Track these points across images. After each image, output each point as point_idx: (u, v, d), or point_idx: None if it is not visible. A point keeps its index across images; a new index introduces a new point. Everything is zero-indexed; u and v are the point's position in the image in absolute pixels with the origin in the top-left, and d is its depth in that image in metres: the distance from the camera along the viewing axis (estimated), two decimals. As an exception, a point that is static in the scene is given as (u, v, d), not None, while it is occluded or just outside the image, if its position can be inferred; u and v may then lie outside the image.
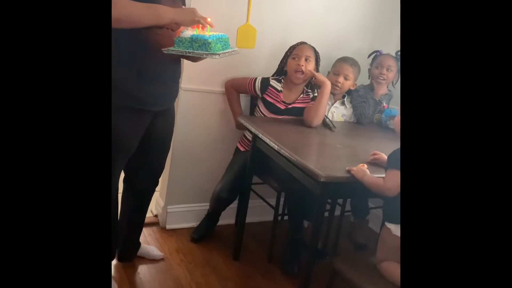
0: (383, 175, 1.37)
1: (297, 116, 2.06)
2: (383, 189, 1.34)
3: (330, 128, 1.99)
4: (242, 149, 2.13)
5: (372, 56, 2.25)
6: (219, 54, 1.47)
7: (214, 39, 1.47)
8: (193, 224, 2.22)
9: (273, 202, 2.07)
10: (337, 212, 2.22)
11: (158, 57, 1.45)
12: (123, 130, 1.48)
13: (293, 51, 2.04)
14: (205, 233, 2.16)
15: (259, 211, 2.29)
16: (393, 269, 1.35)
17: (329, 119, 2.05)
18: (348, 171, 1.41)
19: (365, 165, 1.42)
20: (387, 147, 1.47)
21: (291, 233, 2.02)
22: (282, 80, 2.08)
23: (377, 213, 2.28)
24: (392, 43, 2.35)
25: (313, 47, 2.05)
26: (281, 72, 2.11)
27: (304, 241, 1.99)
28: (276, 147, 1.62)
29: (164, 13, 1.40)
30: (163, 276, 1.86)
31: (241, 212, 2.02)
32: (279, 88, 2.06)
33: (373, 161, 1.54)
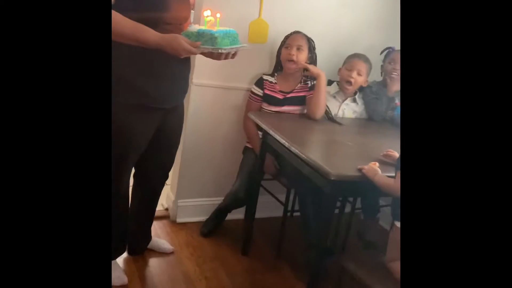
0: (394, 174, 1.36)
1: (298, 105, 2.05)
2: (394, 190, 1.33)
3: (338, 123, 1.98)
4: (250, 146, 2.13)
5: (385, 53, 2.22)
6: (224, 49, 1.44)
7: (221, 34, 1.44)
8: (203, 218, 2.23)
9: (282, 198, 2.07)
10: (347, 209, 2.21)
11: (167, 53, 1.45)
12: (135, 129, 1.49)
13: (286, 41, 2.03)
14: (214, 227, 2.17)
15: (269, 207, 2.28)
16: (402, 269, 1.34)
17: (331, 114, 2.04)
18: (359, 170, 1.40)
19: (377, 164, 1.41)
20: (399, 145, 1.44)
21: (308, 233, 1.99)
22: (276, 74, 2.08)
23: (388, 211, 2.25)
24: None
25: (306, 36, 2.03)
26: (278, 64, 2.09)
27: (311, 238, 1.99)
28: (286, 144, 1.61)
29: (150, 37, 1.36)
30: (173, 270, 1.88)
31: (251, 207, 2.03)
32: (273, 80, 2.06)
33: (385, 159, 1.52)
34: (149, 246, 1.95)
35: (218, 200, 2.19)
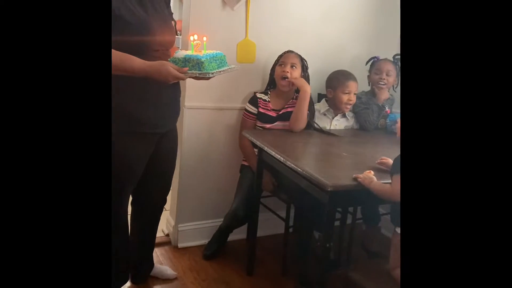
0: (390, 181, 1.37)
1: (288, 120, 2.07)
2: (390, 195, 1.34)
3: (332, 134, 2.01)
4: (247, 164, 2.14)
5: (370, 63, 2.26)
6: (212, 73, 1.47)
7: (208, 58, 1.47)
8: (205, 241, 2.22)
9: (283, 214, 2.06)
10: (349, 220, 2.20)
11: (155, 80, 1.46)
12: (130, 155, 1.50)
13: (280, 59, 2.07)
14: (217, 249, 2.16)
15: (270, 224, 2.28)
16: (407, 275, 1.33)
17: (317, 124, 2.07)
18: (355, 179, 1.41)
19: (372, 172, 1.42)
20: (394, 152, 1.46)
21: (302, 245, 2.01)
22: (269, 92, 2.10)
23: (388, 219, 2.25)
24: (389, 48, 2.36)
25: (299, 55, 2.07)
26: (271, 82, 2.13)
27: (316, 252, 1.98)
28: (282, 158, 1.62)
29: (138, 66, 1.39)
30: (178, 296, 1.86)
31: (252, 226, 2.02)
32: (267, 99, 2.08)
33: (380, 167, 1.53)
34: (152, 273, 1.92)
35: (218, 222, 2.18)
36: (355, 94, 2.12)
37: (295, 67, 2.04)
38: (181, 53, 1.47)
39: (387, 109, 2.19)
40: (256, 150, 1.99)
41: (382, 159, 1.56)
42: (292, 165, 1.56)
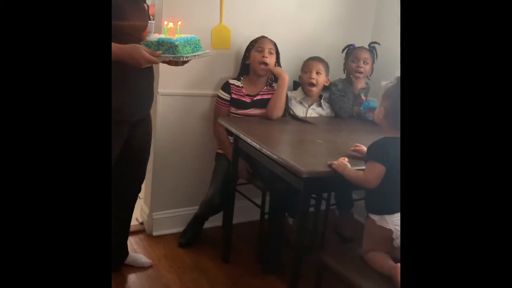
0: (364, 167, 1.39)
1: (264, 108, 2.07)
2: (363, 181, 1.36)
3: (308, 122, 2.02)
4: (222, 152, 2.13)
5: (346, 51, 2.27)
6: (187, 57, 1.43)
7: (182, 41, 1.43)
8: (180, 229, 2.20)
9: (259, 201, 2.07)
10: (323, 206, 2.24)
11: (127, 64, 1.43)
12: None
13: (255, 44, 2.05)
14: (192, 237, 2.15)
15: (246, 211, 2.28)
16: (379, 259, 1.37)
17: (293, 112, 2.08)
18: (330, 166, 1.42)
19: (346, 159, 1.43)
20: (368, 139, 1.48)
21: (272, 231, 2.03)
22: (242, 78, 2.09)
23: (362, 204, 2.30)
24: (365, 36, 2.38)
25: (272, 41, 2.07)
26: (244, 69, 2.11)
27: (288, 239, 2.00)
28: (257, 146, 1.62)
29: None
30: (153, 284, 1.84)
31: (228, 213, 2.02)
32: (240, 84, 2.07)
33: (353, 154, 1.55)
34: (126, 262, 1.90)
35: (193, 209, 2.17)
36: (319, 73, 2.12)
37: (272, 52, 2.04)
38: (154, 37, 1.43)
39: (362, 97, 2.22)
40: (231, 138, 1.98)
41: (356, 146, 1.58)
42: (268, 152, 1.56)
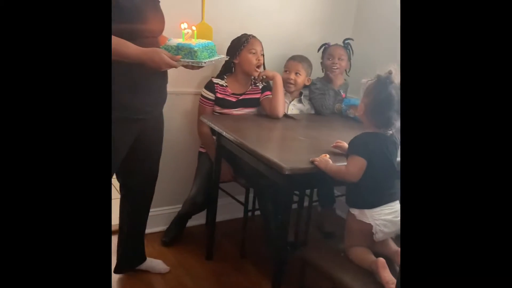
0: (345, 163, 1.41)
1: (252, 107, 2.08)
2: (345, 176, 1.38)
3: (293, 118, 2.04)
4: (204, 151, 2.12)
5: (322, 49, 2.30)
6: (205, 62, 1.50)
7: (200, 47, 1.48)
8: (163, 227, 2.19)
9: (242, 198, 2.08)
10: (306, 203, 2.26)
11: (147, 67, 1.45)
12: (117, 141, 1.46)
13: (247, 45, 2.04)
14: (175, 235, 2.14)
15: (229, 209, 2.29)
16: (361, 253, 1.39)
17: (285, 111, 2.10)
18: (312, 162, 1.44)
19: (327, 155, 1.45)
20: (349, 135, 1.50)
21: (269, 229, 2.03)
22: (225, 77, 2.09)
23: (343, 200, 2.33)
24: (345, 34, 2.40)
25: (261, 42, 2.09)
26: (228, 67, 2.10)
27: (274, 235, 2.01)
28: (241, 143, 1.63)
29: (132, 51, 1.38)
30: (136, 282, 1.83)
31: (211, 211, 2.02)
32: (224, 83, 2.07)
33: (335, 150, 1.58)
34: (143, 267, 1.89)
35: (177, 208, 2.16)
36: (298, 74, 2.15)
37: (263, 54, 2.07)
38: (173, 41, 1.48)
39: (342, 93, 2.25)
40: (215, 137, 1.98)
41: (337, 142, 1.60)
42: (251, 149, 1.57)
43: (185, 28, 1.54)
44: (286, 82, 2.15)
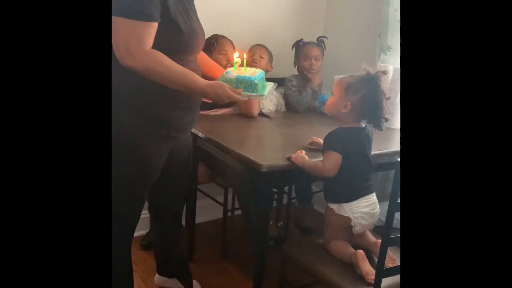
0: (321, 159, 1.43)
1: (226, 107, 2.08)
2: (322, 171, 1.40)
3: (267, 117, 2.04)
4: None
5: (295, 47, 2.29)
6: (266, 95, 1.51)
7: (259, 79, 1.47)
8: (142, 232, 2.16)
9: (221, 199, 2.07)
10: (285, 200, 2.27)
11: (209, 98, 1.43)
12: (157, 158, 1.44)
13: (217, 46, 2.04)
14: (155, 239, 2.11)
15: (208, 210, 2.28)
16: (340, 247, 1.41)
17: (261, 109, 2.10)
18: (288, 159, 1.45)
19: (303, 152, 1.47)
20: (324, 131, 1.52)
21: (251, 227, 2.03)
22: None
23: (321, 196, 2.35)
24: (316, 30, 2.43)
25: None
26: None
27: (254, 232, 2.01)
28: (217, 143, 1.62)
29: (198, 84, 1.36)
30: None
31: (190, 213, 2.01)
32: None
33: (311, 146, 1.59)
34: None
35: (155, 211, 2.13)
36: (261, 57, 2.16)
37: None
38: (232, 74, 1.47)
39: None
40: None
41: (313, 138, 1.62)
42: (228, 149, 1.56)
43: (237, 57, 1.54)
44: (250, 62, 2.13)
